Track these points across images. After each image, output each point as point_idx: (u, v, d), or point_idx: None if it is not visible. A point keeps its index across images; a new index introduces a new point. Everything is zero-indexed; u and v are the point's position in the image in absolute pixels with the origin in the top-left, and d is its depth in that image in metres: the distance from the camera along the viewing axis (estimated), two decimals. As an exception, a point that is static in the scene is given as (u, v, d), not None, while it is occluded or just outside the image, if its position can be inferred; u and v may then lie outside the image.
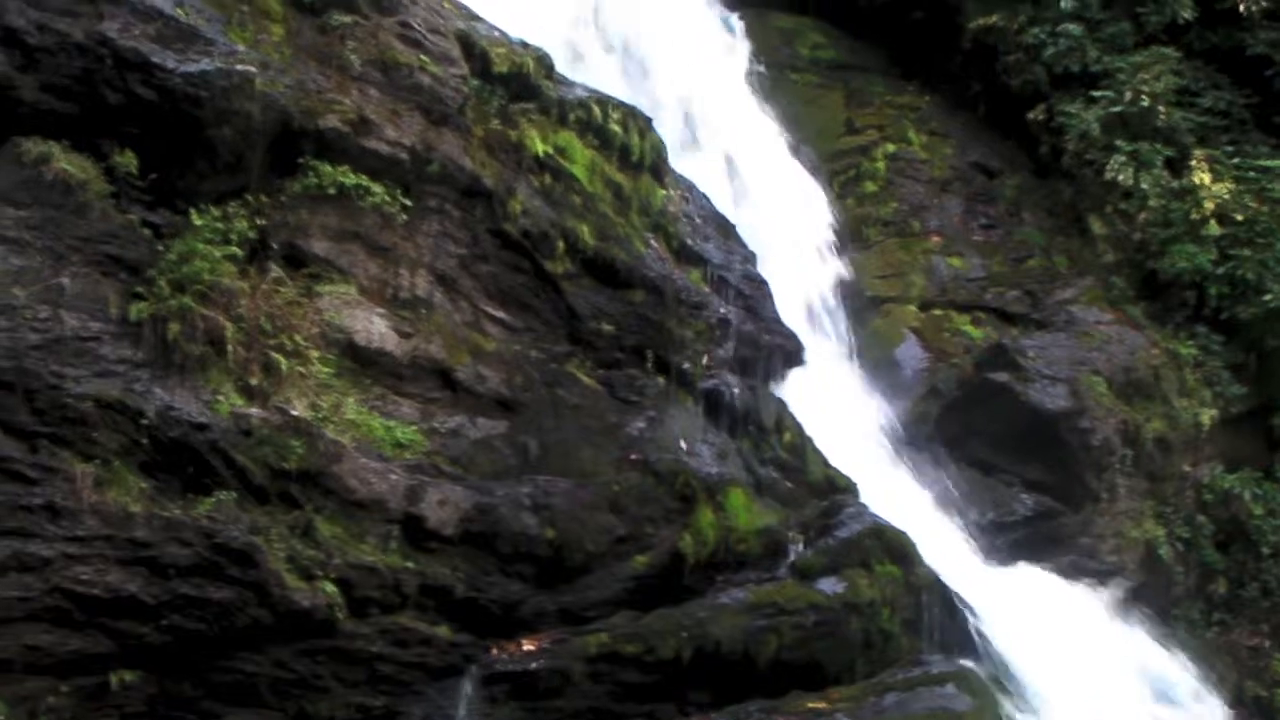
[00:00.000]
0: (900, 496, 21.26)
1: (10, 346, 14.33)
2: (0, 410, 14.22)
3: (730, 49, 26.44)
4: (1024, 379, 22.52)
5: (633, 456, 18.30)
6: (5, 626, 14.09)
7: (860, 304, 23.87)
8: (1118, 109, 25.21)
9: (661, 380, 19.34)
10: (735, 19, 27.10)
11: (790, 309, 22.23)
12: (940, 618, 18.89)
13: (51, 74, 15.38)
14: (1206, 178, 24.42)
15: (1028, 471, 22.42)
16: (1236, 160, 25.07)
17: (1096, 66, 26.16)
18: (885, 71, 28.31)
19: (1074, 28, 26.40)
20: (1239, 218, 24.13)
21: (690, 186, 21.92)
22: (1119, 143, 24.89)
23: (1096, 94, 25.62)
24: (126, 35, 15.64)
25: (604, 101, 20.62)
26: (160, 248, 15.76)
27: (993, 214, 26.35)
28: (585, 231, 19.13)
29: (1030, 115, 26.61)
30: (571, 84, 20.57)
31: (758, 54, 26.68)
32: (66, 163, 15.29)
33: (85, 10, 15.58)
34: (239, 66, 16.18)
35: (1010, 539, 21.62)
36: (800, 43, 28.00)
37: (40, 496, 14.23)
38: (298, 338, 16.14)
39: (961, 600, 19.23)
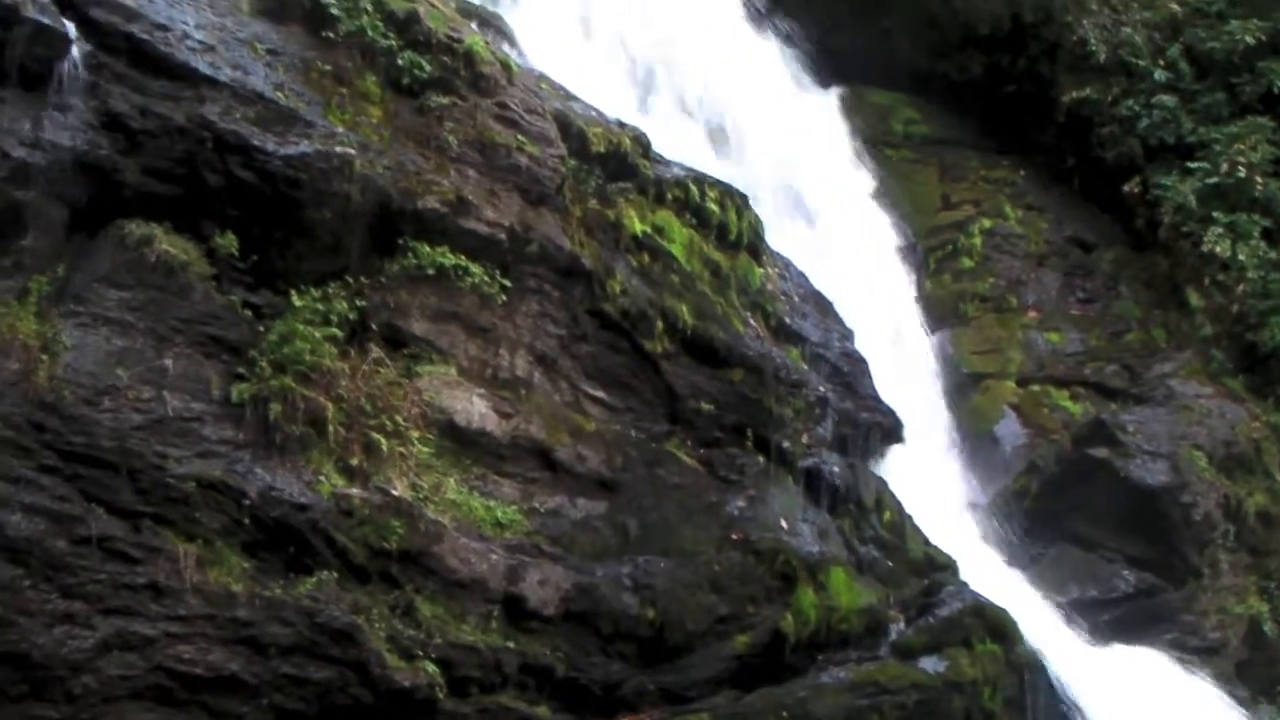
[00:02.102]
0: (1000, 574, 21.09)
1: (114, 427, 14.39)
2: (104, 490, 14.26)
3: (826, 126, 26.43)
4: (1124, 454, 22.31)
5: (734, 535, 18.20)
6: (109, 705, 14.08)
7: (958, 380, 23.78)
8: (1214, 180, 25.04)
9: (761, 459, 19.24)
10: (830, 96, 27.13)
11: (888, 386, 22.12)
12: (1042, 697, 18.70)
13: (154, 157, 15.48)
14: (1305, 248, 24.28)
15: (1128, 547, 22.16)
16: (1335, 229, 24.87)
17: (1192, 138, 26.04)
18: (980, 145, 28.20)
19: (1168, 99, 26.30)
20: (1339, 289, 23.95)
21: (787, 264, 21.92)
22: (1216, 214, 24.72)
23: (1192, 165, 25.46)
24: (227, 118, 15.76)
25: (701, 180, 20.63)
26: (261, 329, 15.81)
27: (1090, 288, 26.19)
28: (684, 311, 19.10)
29: (1126, 188, 26.43)
30: (668, 163, 20.58)
31: (853, 130, 26.69)
32: (169, 244, 15.37)
33: (187, 94, 15.70)
34: (338, 148, 16.29)
35: (1111, 616, 21.35)
36: (895, 118, 27.94)
37: (144, 576, 14.24)
38: (398, 418, 16.15)
39: (1063, 679, 19.01)
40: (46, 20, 14.96)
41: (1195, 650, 21.55)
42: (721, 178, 21.43)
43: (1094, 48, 26.75)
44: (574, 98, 19.94)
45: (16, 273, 14.64)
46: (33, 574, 13.66)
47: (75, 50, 15.15)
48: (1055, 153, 27.96)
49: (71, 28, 15.21)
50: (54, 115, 14.97)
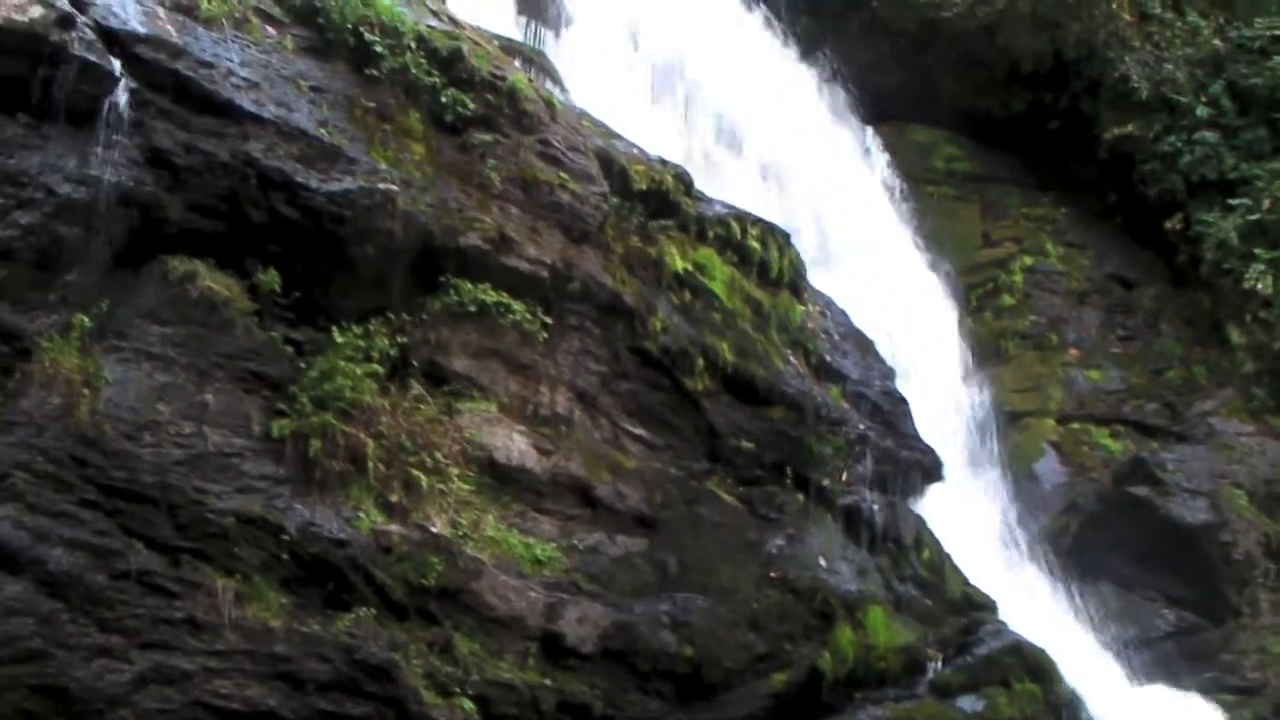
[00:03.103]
0: (1039, 613, 21.02)
1: (155, 462, 14.43)
2: (144, 525, 14.29)
3: (866, 163, 26.44)
4: (1164, 493, 22.32)
5: (772, 574, 18.19)
6: (147, 740, 14.15)
7: (998, 418, 23.73)
8: (1256, 217, 25.01)
9: (801, 497, 19.25)
10: (871, 133, 27.14)
11: (928, 424, 22.10)
12: (1080, 736, 18.71)
13: (198, 193, 15.54)
14: (1348, 286, 24.19)
15: (1168, 586, 22.15)
16: (1380, 267, 24.77)
17: (1234, 174, 26.01)
18: (1021, 182, 28.20)
19: (1210, 135, 26.27)
20: (1383, 327, 23.88)
21: (829, 302, 21.95)
22: (1258, 251, 24.67)
23: (1234, 202, 25.44)
24: (271, 155, 15.83)
25: (743, 218, 20.66)
26: (302, 365, 15.87)
27: (1131, 325, 26.17)
28: (725, 348, 19.13)
29: (1167, 224, 26.43)
30: (710, 200, 20.62)
31: (894, 167, 26.70)
32: (211, 281, 15.43)
33: (231, 131, 15.77)
34: (381, 185, 16.34)
35: (1151, 655, 21.31)
36: (936, 155, 27.99)
37: (182, 610, 14.24)
38: (438, 455, 16.16)
39: (1102, 719, 18.96)
40: (93, 58, 15.05)
41: (1234, 690, 21.45)
42: (763, 214, 21.44)
43: (1136, 84, 26.72)
44: (616, 135, 20.01)
45: (60, 308, 14.67)
46: (72, 608, 13.68)
47: (121, 87, 15.22)
48: (1097, 189, 27.93)
49: (117, 65, 15.28)
50: (99, 151, 15.01)
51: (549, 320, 17.53)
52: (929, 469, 21.46)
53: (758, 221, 20.95)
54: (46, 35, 14.83)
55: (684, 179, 20.20)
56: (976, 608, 20.22)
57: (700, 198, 20.48)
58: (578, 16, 23.83)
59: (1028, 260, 26.45)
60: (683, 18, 24.72)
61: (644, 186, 19.44)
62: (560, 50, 22.70)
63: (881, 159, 26.80)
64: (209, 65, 15.93)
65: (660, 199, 19.67)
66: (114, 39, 15.43)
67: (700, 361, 18.87)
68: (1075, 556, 22.27)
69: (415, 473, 15.98)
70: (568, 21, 23.68)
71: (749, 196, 22.43)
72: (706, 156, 23.19)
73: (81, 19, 15.24)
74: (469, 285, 16.93)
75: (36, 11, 14.87)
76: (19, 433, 13.88)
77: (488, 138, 17.76)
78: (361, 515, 15.45)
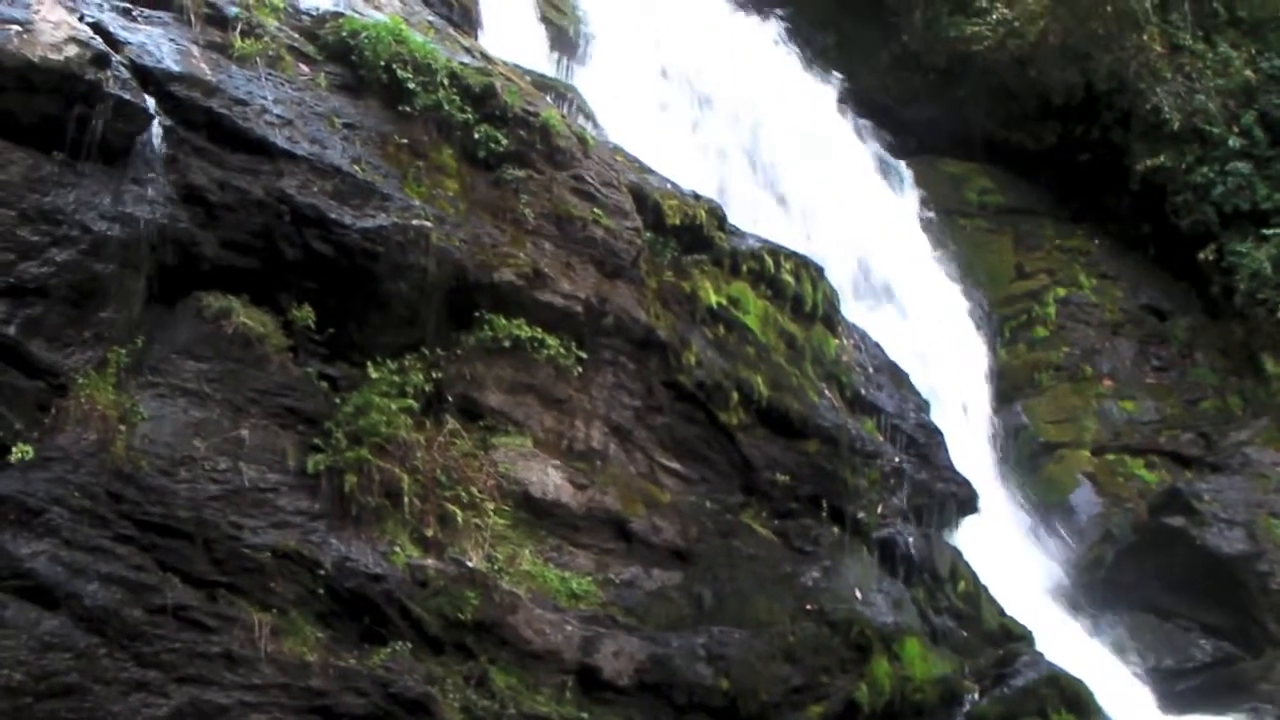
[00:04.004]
0: (1076, 644, 21.00)
1: (190, 497, 14.46)
2: (180, 560, 14.30)
3: (900, 196, 26.47)
4: (1200, 523, 22.26)
5: (808, 606, 18.17)
6: (183, 774, 14.16)
7: (1033, 450, 23.73)
8: (1289, 246, 25.01)
9: (836, 530, 19.23)
10: (904, 166, 27.18)
11: (963, 456, 22.05)
12: (1117, 767, 18.68)
13: (232, 230, 15.61)
14: (1380, 315, 24.17)
15: (1205, 616, 22.08)
16: None
17: (1267, 204, 26.02)
18: (1054, 214, 28.27)
19: (1242, 166, 26.28)
20: None
21: (863, 335, 21.95)
22: (1292, 280, 24.68)
23: (1267, 232, 25.44)
24: (305, 192, 15.90)
25: (776, 251, 20.69)
26: (337, 400, 15.89)
27: (1165, 356, 26.16)
28: (759, 382, 19.12)
29: (1200, 255, 26.42)
30: (744, 234, 20.66)
31: (927, 200, 26.74)
32: (246, 317, 15.49)
33: (265, 168, 15.85)
34: (415, 221, 16.40)
35: (1188, 686, 21.28)
36: (969, 188, 28.06)
37: (218, 645, 14.23)
38: (473, 489, 16.17)
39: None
40: (127, 96, 15.11)
41: (1272, 720, 21.38)
42: (797, 248, 21.46)
43: (1168, 116, 26.72)
44: (649, 170, 20.05)
45: (96, 344, 14.71)
46: (109, 642, 13.67)
47: (155, 125, 15.32)
48: (1129, 221, 27.97)
49: (152, 103, 15.37)
50: (134, 189, 15.09)
51: (583, 355, 17.54)
52: (964, 501, 21.42)
53: (791, 255, 20.99)
54: (81, 74, 14.89)
55: (717, 213, 20.24)
56: (1013, 639, 20.21)
57: (734, 232, 20.52)
58: (608, 51, 23.87)
59: (1061, 292, 26.48)
60: (713, 53, 24.76)
61: (677, 221, 19.49)
62: (591, 84, 22.71)
63: (914, 192, 26.83)
64: (243, 103, 16.02)
65: (694, 233, 19.71)
66: (148, 77, 15.54)
67: (735, 395, 18.88)
68: (1111, 587, 22.27)
69: (451, 507, 15.98)
70: (598, 56, 23.74)
71: (782, 230, 22.48)
72: (740, 191, 23.21)
73: (116, 57, 15.34)
74: (503, 320, 16.96)
75: (71, 50, 14.95)
76: (55, 468, 13.90)
77: (521, 173, 17.81)
78: (397, 550, 15.45)
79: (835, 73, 26.98)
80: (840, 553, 19.05)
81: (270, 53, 16.80)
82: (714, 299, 19.44)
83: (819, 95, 26.34)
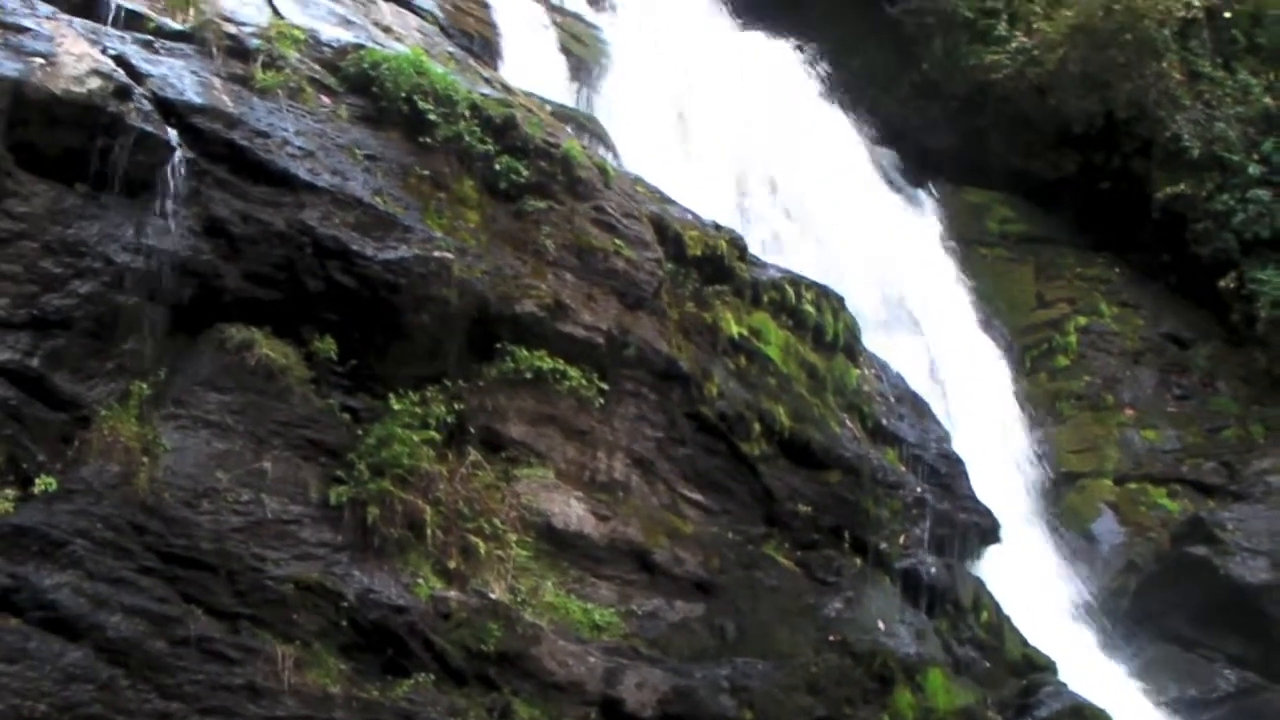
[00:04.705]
0: (1099, 674, 20.94)
1: (213, 529, 14.47)
2: (203, 592, 14.31)
3: (920, 225, 26.46)
4: (1223, 552, 22.22)
5: (831, 637, 18.13)
6: (205, 806, 14.14)
7: (1055, 479, 23.69)
8: (1309, 274, 24.99)
9: (858, 560, 19.20)
10: (924, 195, 27.18)
11: (985, 486, 22.00)
12: (1140, 798, 18.64)
13: (254, 262, 15.61)
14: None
15: (1229, 646, 22.02)
16: None
17: (1287, 231, 26.00)
18: (1074, 243, 28.23)
19: (1262, 193, 26.27)
20: None
21: (884, 365, 21.92)
22: (1313, 308, 24.65)
23: (1288, 259, 25.42)
24: (327, 224, 15.91)
25: (797, 282, 20.69)
26: (359, 432, 15.87)
27: (1186, 384, 26.12)
28: (781, 413, 19.10)
29: (1221, 283, 26.37)
30: (764, 265, 20.68)
31: (948, 229, 26.73)
32: (268, 349, 15.50)
33: (287, 200, 15.87)
34: (436, 253, 16.39)
35: (1212, 716, 21.26)
36: (989, 217, 28.05)
37: (241, 677, 14.20)
38: (496, 521, 16.17)
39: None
40: (150, 128, 15.17)
41: (1297, 752, 21.32)
42: (817, 278, 21.45)
43: (1188, 144, 26.74)
44: (670, 201, 20.06)
45: (118, 376, 14.75)
46: (132, 674, 13.67)
47: (177, 157, 15.33)
48: (1150, 249, 27.93)
49: (174, 135, 15.40)
50: (156, 221, 15.12)
51: (605, 386, 17.50)
52: (986, 531, 21.36)
53: (812, 285, 20.98)
54: (104, 106, 14.97)
55: (738, 243, 20.23)
56: (1036, 669, 20.19)
57: (754, 262, 20.53)
58: (629, 80, 23.91)
59: (1082, 320, 26.46)
60: (734, 81, 24.81)
61: (698, 252, 19.49)
62: (612, 114, 22.76)
63: (935, 220, 26.83)
64: (265, 135, 16.05)
65: (715, 264, 19.69)
66: (170, 109, 15.59)
67: (756, 426, 18.85)
68: (1134, 617, 22.20)
69: (473, 539, 15.97)
70: (619, 86, 23.78)
71: (803, 259, 22.47)
72: (760, 220, 23.20)
73: (138, 90, 15.41)
74: (525, 352, 16.95)
75: (94, 83, 15.02)
76: (78, 500, 13.94)
77: (542, 205, 17.82)
78: (420, 581, 15.43)
79: (855, 100, 26.97)
80: (863, 583, 19.02)
81: (292, 85, 16.83)
82: (735, 330, 19.42)
83: (839, 123, 26.34)
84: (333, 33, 18.19)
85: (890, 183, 26.65)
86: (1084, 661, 21.21)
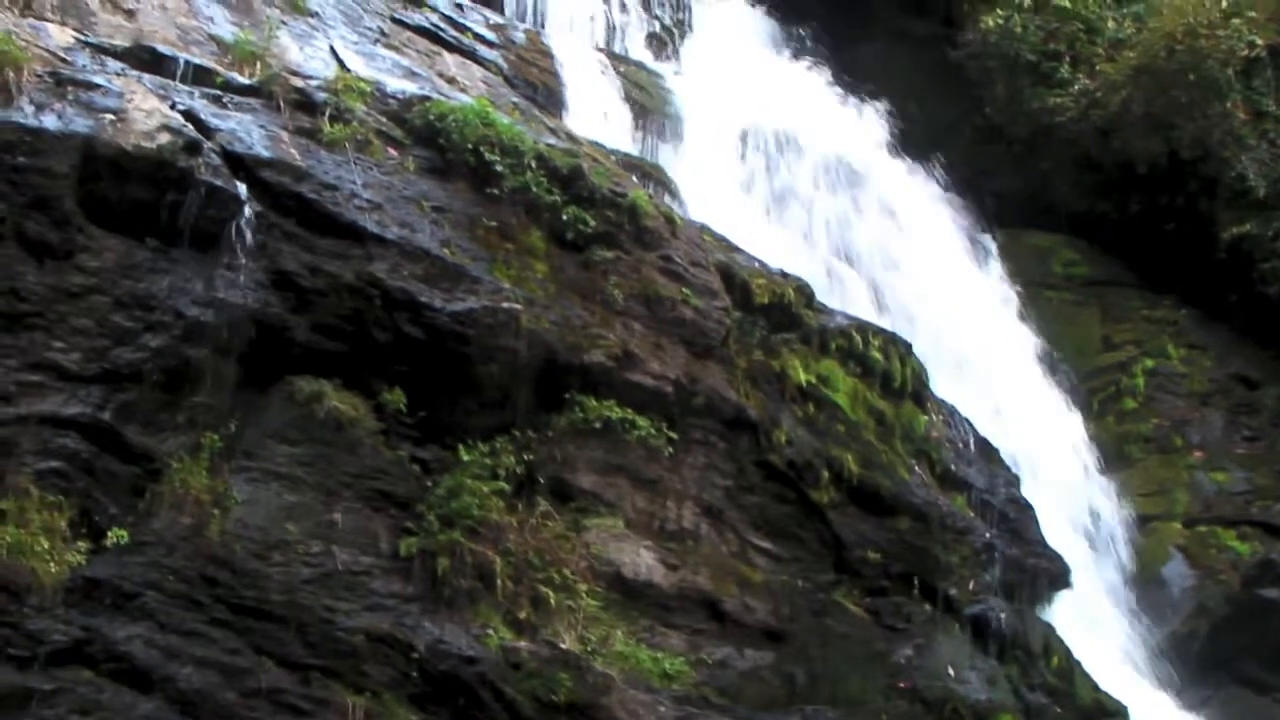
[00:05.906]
0: (1171, 719, 20.78)
1: (284, 581, 14.55)
2: (274, 643, 14.38)
3: (985, 269, 26.40)
4: (1294, 594, 22.06)
5: (901, 684, 18.04)
6: None
7: (1124, 523, 23.56)
8: (1374, 313, 24.86)
9: (928, 607, 19.08)
10: (989, 239, 27.12)
11: (1055, 531, 21.88)
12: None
13: (323, 314, 15.73)
14: None
15: (1303, 690, 21.83)
16: None
17: (1354, 270, 25.85)
18: (1140, 285, 28.04)
19: (1330, 232, 26.11)
20: None
21: (952, 411, 21.77)
22: (1379, 347, 24.53)
23: (1356, 299, 25.28)
24: (395, 276, 16.00)
25: (864, 328, 20.61)
26: (429, 483, 15.94)
27: (1255, 425, 25.88)
28: (850, 460, 19.03)
29: (1288, 323, 26.24)
30: (832, 312, 20.63)
31: (1013, 273, 26.65)
32: (338, 401, 15.59)
33: (355, 252, 15.96)
34: (505, 304, 16.46)
35: (1287, 762, 21.06)
36: (1055, 260, 27.92)
37: (313, 728, 14.35)
38: (566, 571, 16.14)
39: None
40: (219, 183, 15.37)
41: (1369, 799, 21.15)
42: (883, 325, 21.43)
43: (1253, 182, 26.56)
44: (737, 249, 20.04)
45: (189, 429, 14.88)
46: (203, 726, 13.78)
47: (246, 211, 15.51)
48: (1216, 289, 27.68)
49: (243, 189, 15.60)
50: (225, 274, 15.29)
51: (674, 435, 17.48)
52: (1056, 576, 21.20)
53: (879, 332, 20.90)
54: (174, 161, 15.18)
55: (805, 291, 20.20)
56: (1107, 714, 19.99)
57: (821, 310, 20.47)
58: (694, 128, 23.94)
59: (1149, 363, 26.27)
60: (800, 129, 24.80)
61: (766, 300, 19.48)
62: (677, 163, 22.80)
63: (999, 265, 26.76)
64: (332, 188, 16.18)
65: (782, 312, 19.67)
66: (239, 163, 15.76)
67: (825, 473, 18.79)
68: (1206, 661, 22.01)
69: (543, 589, 15.96)
70: (684, 134, 23.82)
71: (869, 308, 22.45)
72: (827, 269, 23.16)
73: (208, 144, 15.62)
74: (594, 402, 16.97)
75: (164, 138, 15.21)
76: (150, 553, 14.08)
77: (609, 255, 17.85)
78: (490, 632, 15.43)
79: (919, 147, 26.94)
80: (932, 630, 18.92)
81: (359, 137, 16.95)
82: (803, 377, 19.36)
83: (904, 171, 26.30)
84: (398, 85, 18.35)
85: (956, 226, 26.57)
86: (1155, 706, 21.02)
